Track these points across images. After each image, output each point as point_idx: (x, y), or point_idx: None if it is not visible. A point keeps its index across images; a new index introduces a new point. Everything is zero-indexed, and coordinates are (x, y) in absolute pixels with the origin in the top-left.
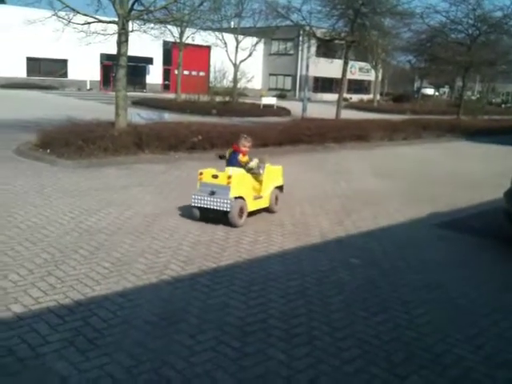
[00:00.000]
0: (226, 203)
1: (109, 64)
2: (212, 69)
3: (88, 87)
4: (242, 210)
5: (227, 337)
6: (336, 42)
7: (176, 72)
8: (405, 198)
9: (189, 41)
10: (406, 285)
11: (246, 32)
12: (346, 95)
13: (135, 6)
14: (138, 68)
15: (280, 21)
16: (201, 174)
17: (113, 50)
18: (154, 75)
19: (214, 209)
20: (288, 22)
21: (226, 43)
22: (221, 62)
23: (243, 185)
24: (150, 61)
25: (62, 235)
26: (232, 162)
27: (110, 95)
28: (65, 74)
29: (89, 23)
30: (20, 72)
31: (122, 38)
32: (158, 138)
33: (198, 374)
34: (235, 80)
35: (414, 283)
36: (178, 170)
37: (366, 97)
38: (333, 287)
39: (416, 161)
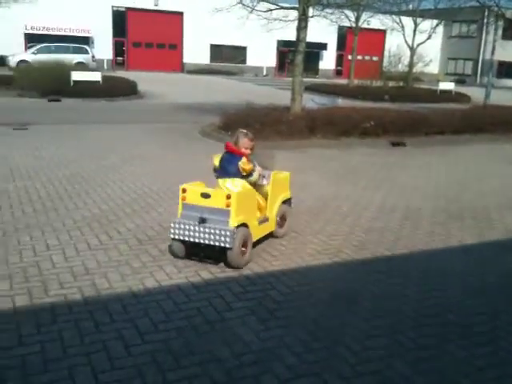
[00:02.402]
0: (225, 236)
1: (284, 50)
2: (386, 53)
3: (264, 73)
4: (245, 244)
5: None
6: None
7: (349, 57)
8: None
9: (364, 25)
10: None
11: (425, 14)
12: None
13: None
14: (311, 54)
15: (464, 1)
16: (184, 191)
17: (290, 37)
18: (327, 61)
19: (205, 244)
20: (473, 3)
21: (403, 26)
22: (396, 45)
23: (247, 206)
24: (323, 46)
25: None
26: (227, 170)
27: (284, 81)
28: (243, 61)
29: (271, 10)
30: (204, 59)
31: (302, 24)
32: (331, 122)
33: (372, 358)
34: (411, 64)
35: None
36: (349, 156)
37: None
38: None
39: None
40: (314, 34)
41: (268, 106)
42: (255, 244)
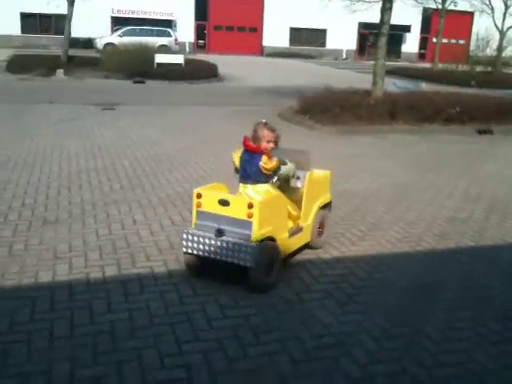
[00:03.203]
0: (245, 252)
1: (365, 33)
2: (474, 36)
3: (344, 56)
4: (271, 261)
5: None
6: None
7: (434, 40)
8: None
9: (451, 6)
10: None
11: None
12: None
13: None
14: (394, 36)
15: None
16: (198, 196)
17: (372, 19)
18: (410, 44)
19: (222, 260)
20: None
21: (492, 8)
22: (484, 29)
23: (274, 216)
24: (407, 29)
25: None
26: (248, 172)
27: (364, 64)
28: (323, 44)
29: None
30: (283, 42)
31: (387, 5)
32: (413, 108)
33: (455, 350)
34: (500, 48)
35: None
36: (432, 143)
37: None
38: None
39: None
40: (397, 16)
41: (347, 90)
42: (287, 258)
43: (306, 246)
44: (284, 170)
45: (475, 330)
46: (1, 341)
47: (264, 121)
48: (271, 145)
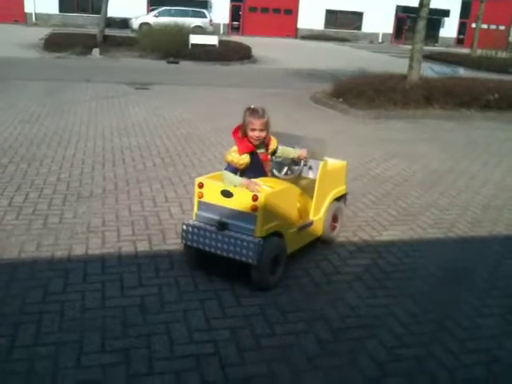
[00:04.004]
0: (249, 248)
1: (403, 16)
2: None
3: (380, 40)
4: (277, 260)
5: None
6: None
7: (473, 25)
8: None
9: None
10: None
11: None
12: None
13: None
14: (432, 21)
15: None
16: (200, 186)
17: (410, 2)
18: (449, 28)
19: (224, 255)
20: None
21: None
22: None
23: (282, 208)
24: (446, 13)
25: (352, 180)
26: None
27: (400, 48)
28: (359, 27)
29: None
30: (318, 24)
31: None
32: (450, 93)
33: (484, 336)
34: None
35: None
36: (468, 129)
37: None
38: None
39: None
40: (436, 0)
41: (383, 74)
42: (295, 254)
43: (318, 241)
44: (288, 152)
45: (504, 317)
46: (35, 310)
47: (252, 106)
48: (257, 133)
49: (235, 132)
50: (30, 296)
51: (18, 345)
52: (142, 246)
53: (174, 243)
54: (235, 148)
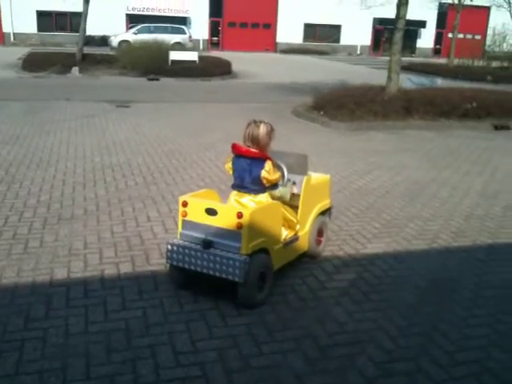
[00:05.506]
0: (235, 266)
1: (380, 28)
2: (490, 32)
3: (358, 52)
4: (264, 277)
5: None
6: None
7: (450, 35)
8: None
9: (467, 1)
10: None
11: None
12: None
13: None
14: (409, 32)
15: None
16: (184, 204)
17: (387, 14)
18: (425, 39)
19: (210, 274)
20: None
21: (509, 3)
22: (501, 24)
23: (267, 225)
24: (422, 24)
25: (335, 192)
26: (244, 178)
27: (379, 60)
28: (337, 40)
29: None
30: (297, 38)
31: (403, 0)
32: (429, 103)
33: (473, 347)
34: None
35: None
36: (448, 138)
37: None
38: None
39: None
40: (412, 11)
41: (362, 86)
42: (280, 270)
43: (304, 256)
44: (278, 192)
45: (492, 327)
46: (16, 338)
47: (256, 120)
48: (270, 143)
49: (262, 152)
50: (11, 323)
51: (1, 374)
52: (125, 268)
53: (157, 263)
54: (270, 165)
